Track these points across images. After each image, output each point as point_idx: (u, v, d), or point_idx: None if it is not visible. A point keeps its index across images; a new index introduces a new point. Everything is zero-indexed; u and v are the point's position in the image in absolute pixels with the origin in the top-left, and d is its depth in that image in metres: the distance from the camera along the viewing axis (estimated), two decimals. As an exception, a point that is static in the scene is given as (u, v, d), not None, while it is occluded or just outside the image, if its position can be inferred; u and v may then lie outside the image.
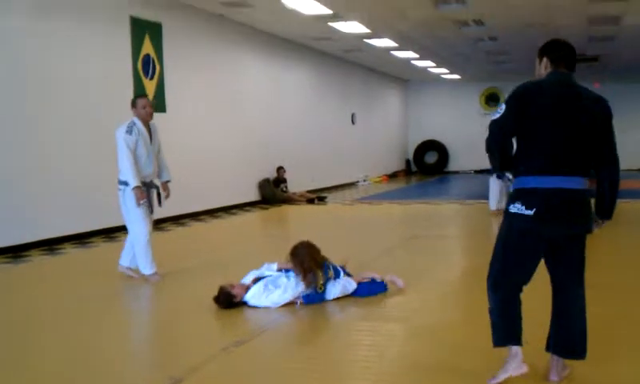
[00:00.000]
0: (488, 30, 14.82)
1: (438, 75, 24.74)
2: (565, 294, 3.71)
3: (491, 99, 27.28)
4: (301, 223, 12.66)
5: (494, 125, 3.66)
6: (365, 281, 5.87)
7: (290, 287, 5.51)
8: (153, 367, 4.50)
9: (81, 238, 9.69)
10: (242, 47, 14.51)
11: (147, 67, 11.21)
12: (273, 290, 5.51)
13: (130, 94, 10.78)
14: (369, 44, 16.69)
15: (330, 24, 13.93)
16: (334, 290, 5.63)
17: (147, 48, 11.21)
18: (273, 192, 15.37)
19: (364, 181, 21.69)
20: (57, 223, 9.39)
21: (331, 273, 5.63)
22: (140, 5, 11.03)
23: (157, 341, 5.29)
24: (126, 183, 6.50)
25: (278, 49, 16.11)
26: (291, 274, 5.59)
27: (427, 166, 27.42)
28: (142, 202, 6.45)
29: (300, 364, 4.32)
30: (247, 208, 14.35)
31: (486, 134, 3.72)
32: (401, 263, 7.70)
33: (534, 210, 3.53)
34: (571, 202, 3.56)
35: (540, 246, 3.65)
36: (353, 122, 21.50)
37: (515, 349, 3.71)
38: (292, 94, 17.10)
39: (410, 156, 27.80)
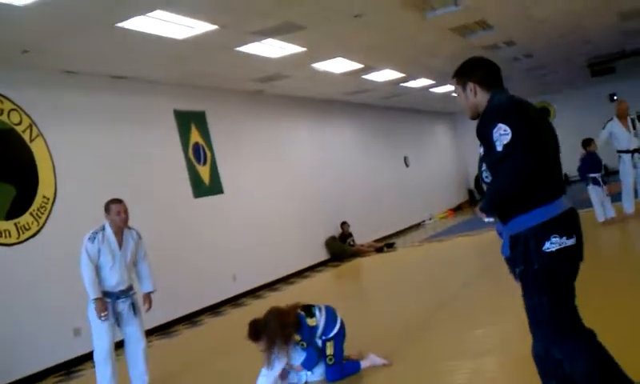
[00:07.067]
0: (521, 48, 14.80)
1: (482, 101, 24.58)
2: None
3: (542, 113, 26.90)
4: (374, 273, 12.67)
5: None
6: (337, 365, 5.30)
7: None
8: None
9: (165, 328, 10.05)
10: (285, 116, 14.92)
11: (198, 154, 11.68)
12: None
13: (188, 183, 11.29)
14: (406, 87, 16.91)
15: (364, 77, 14.23)
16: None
17: (195, 136, 11.71)
18: (341, 248, 15.51)
19: (429, 219, 21.62)
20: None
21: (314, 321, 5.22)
22: (182, 99, 11.56)
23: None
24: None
25: (319, 110, 16.49)
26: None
27: (490, 192, 27.05)
28: (102, 314, 5.78)
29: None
30: (319, 269, 14.50)
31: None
32: (477, 296, 7.68)
33: (574, 237, 3.11)
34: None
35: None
36: (407, 165, 21.59)
37: None
38: (341, 149, 17.36)
39: (472, 185, 27.58)
